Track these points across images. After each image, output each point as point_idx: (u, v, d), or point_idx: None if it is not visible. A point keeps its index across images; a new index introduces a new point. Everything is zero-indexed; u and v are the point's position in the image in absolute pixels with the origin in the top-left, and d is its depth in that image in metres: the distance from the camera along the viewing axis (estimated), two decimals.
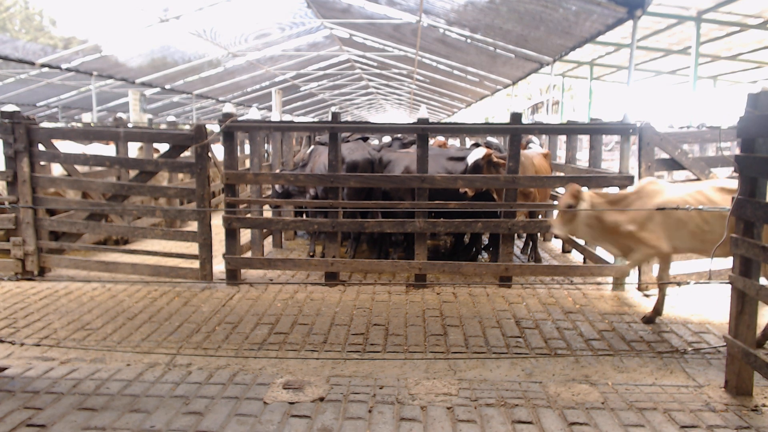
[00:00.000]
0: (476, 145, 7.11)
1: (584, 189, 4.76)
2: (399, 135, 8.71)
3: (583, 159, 9.67)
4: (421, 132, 5.81)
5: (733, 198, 3.56)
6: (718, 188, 4.39)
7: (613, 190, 6.07)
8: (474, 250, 7.34)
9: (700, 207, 4.20)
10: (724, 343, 3.60)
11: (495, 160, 6.15)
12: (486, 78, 16.73)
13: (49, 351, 4.13)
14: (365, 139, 8.41)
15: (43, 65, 12.72)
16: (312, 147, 8.00)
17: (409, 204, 5.85)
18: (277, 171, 8.26)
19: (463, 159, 6.58)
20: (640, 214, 4.40)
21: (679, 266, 5.97)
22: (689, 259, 5.80)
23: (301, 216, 8.16)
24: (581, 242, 6.87)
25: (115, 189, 6.25)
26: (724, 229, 3.82)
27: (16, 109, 6.17)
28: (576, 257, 7.39)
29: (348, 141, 8.05)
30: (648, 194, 4.46)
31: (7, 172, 5.92)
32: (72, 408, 3.27)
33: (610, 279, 5.88)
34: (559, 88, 21.27)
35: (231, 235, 5.96)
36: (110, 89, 17.54)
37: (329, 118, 6.05)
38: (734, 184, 4.07)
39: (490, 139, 8.51)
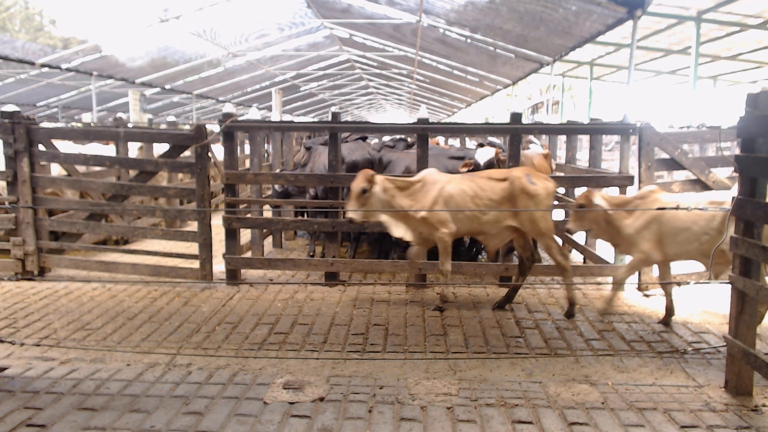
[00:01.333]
0: (480, 145, 7.10)
1: (600, 192, 4.93)
2: (403, 136, 8.72)
3: (583, 159, 9.66)
4: (421, 132, 5.81)
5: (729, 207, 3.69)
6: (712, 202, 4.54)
7: (613, 191, 6.08)
8: (474, 250, 7.34)
9: (701, 207, 4.21)
10: (724, 343, 3.60)
11: (503, 158, 6.17)
12: (486, 78, 16.73)
13: (49, 351, 4.13)
14: (364, 139, 8.40)
15: (43, 65, 12.72)
16: (301, 148, 8.02)
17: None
18: (277, 171, 8.26)
19: (463, 158, 6.58)
20: (638, 221, 4.59)
21: (679, 266, 5.96)
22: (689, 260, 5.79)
23: (301, 216, 8.16)
24: (581, 242, 6.87)
25: (115, 189, 6.25)
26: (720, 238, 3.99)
27: (16, 109, 6.17)
28: (576, 257, 7.39)
29: (347, 141, 8.05)
30: (649, 204, 4.62)
31: (7, 172, 5.92)
32: (72, 408, 3.27)
33: (610, 279, 5.87)
34: (559, 88, 21.27)
35: (231, 235, 5.96)
36: (110, 89, 17.54)
37: (329, 118, 6.05)
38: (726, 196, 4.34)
39: (491, 138, 8.52)
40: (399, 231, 4.98)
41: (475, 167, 6.20)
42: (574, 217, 4.76)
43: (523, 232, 5.03)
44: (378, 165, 6.80)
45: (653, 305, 5.31)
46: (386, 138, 10.20)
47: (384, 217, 4.92)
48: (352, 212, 4.71)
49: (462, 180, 4.99)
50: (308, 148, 7.88)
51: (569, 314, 4.96)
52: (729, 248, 3.61)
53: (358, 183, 4.69)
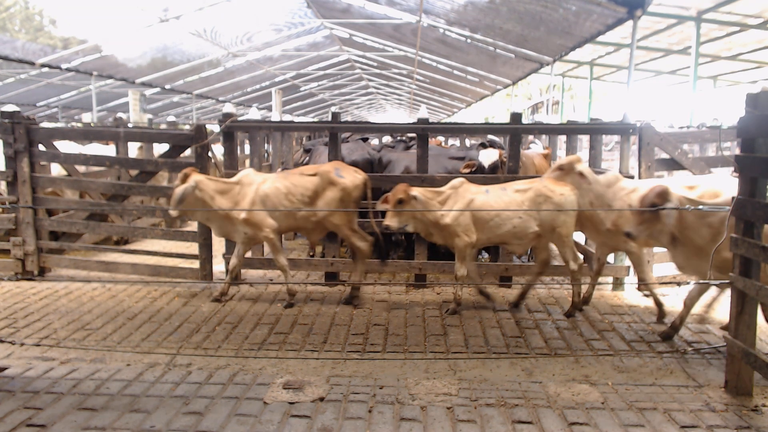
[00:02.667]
0: (482, 145, 7.10)
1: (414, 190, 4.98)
2: (403, 137, 8.72)
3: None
4: (421, 132, 5.81)
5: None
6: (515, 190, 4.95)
7: None
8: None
9: (701, 207, 4.20)
10: (724, 343, 3.60)
11: (504, 159, 6.19)
12: (486, 78, 16.73)
13: (49, 351, 4.13)
14: (366, 140, 8.41)
15: (43, 65, 12.71)
16: (300, 149, 8.01)
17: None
18: (278, 171, 8.26)
19: (463, 159, 6.57)
20: (453, 210, 4.84)
21: None
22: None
23: None
24: (582, 242, 6.87)
25: (115, 189, 6.25)
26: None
27: (16, 109, 6.17)
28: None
29: (347, 141, 8.05)
30: (461, 194, 4.89)
31: (7, 172, 5.92)
32: (72, 408, 3.27)
33: (610, 279, 5.88)
34: (559, 88, 21.26)
35: None
36: (110, 89, 17.54)
37: (329, 118, 6.05)
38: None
39: (492, 137, 8.51)
40: (221, 232, 5.18)
41: (479, 169, 6.20)
42: (392, 213, 4.81)
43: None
44: (378, 165, 6.80)
45: (653, 305, 5.30)
46: (387, 138, 10.21)
47: (201, 216, 5.15)
48: (173, 210, 4.94)
49: (277, 178, 5.17)
50: (307, 150, 7.88)
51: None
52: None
53: (178, 183, 4.94)
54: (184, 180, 4.95)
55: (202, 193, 4.98)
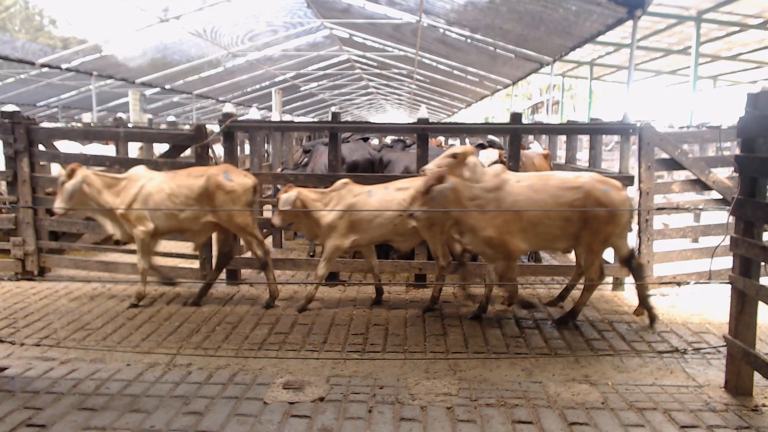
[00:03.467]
0: (481, 146, 7.11)
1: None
2: (401, 137, 8.71)
3: (583, 159, 9.67)
4: (421, 132, 5.81)
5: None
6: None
7: None
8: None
9: (700, 207, 4.20)
10: (724, 343, 3.60)
11: (504, 159, 6.20)
12: (486, 78, 16.74)
13: (49, 351, 4.13)
14: (366, 140, 8.40)
15: (43, 65, 12.72)
16: (300, 150, 8.00)
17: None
18: (278, 171, 8.26)
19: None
20: (333, 213, 4.94)
21: (679, 266, 5.97)
22: (688, 260, 5.80)
23: None
24: None
25: None
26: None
27: (16, 109, 6.17)
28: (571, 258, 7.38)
29: (348, 141, 8.05)
30: (343, 195, 4.99)
31: (7, 172, 5.92)
32: (72, 408, 3.27)
33: (610, 279, 5.88)
34: (559, 88, 21.27)
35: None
36: (110, 89, 17.55)
37: (329, 118, 6.05)
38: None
39: (491, 137, 8.51)
40: (109, 227, 5.17)
41: None
42: (277, 212, 4.93)
43: (224, 227, 5.21)
44: (378, 165, 6.80)
45: (653, 305, 5.30)
46: (387, 139, 10.20)
47: (88, 212, 5.18)
48: (57, 207, 4.94)
49: (164, 179, 5.13)
50: (307, 151, 7.88)
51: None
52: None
53: (60, 175, 4.96)
54: (71, 175, 4.88)
55: (90, 188, 4.94)
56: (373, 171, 6.73)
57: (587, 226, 4.35)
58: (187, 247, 7.10)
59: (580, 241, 4.47)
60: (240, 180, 5.11)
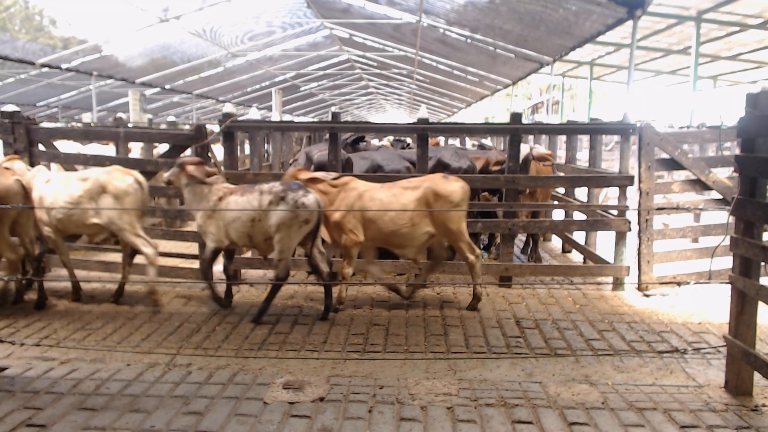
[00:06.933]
0: (482, 146, 7.12)
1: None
2: (401, 138, 8.72)
3: (583, 159, 9.67)
4: (421, 132, 5.81)
5: None
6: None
7: (614, 191, 6.09)
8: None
9: (700, 208, 4.21)
10: (724, 343, 3.60)
11: (492, 168, 6.24)
12: (486, 78, 16.74)
13: (49, 351, 4.13)
14: (361, 139, 8.29)
15: (43, 65, 12.72)
16: (301, 150, 7.95)
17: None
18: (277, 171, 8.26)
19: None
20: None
21: (679, 266, 5.97)
22: (688, 260, 5.80)
23: None
24: (582, 242, 6.87)
25: None
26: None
27: (16, 109, 6.16)
28: (576, 257, 7.39)
29: (376, 148, 7.89)
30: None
31: None
32: (72, 408, 3.27)
33: (610, 279, 5.88)
34: (559, 88, 21.26)
35: None
36: (110, 89, 17.55)
37: (329, 118, 6.05)
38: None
39: (484, 141, 8.52)
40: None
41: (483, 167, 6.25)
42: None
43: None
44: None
45: (653, 305, 5.31)
46: (385, 140, 10.19)
47: None
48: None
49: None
50: (310, 156, 7.84)
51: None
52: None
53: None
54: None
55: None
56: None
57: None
58: (186, 247, 7.11)
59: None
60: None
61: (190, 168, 4.95)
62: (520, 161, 6.03)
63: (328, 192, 5.02)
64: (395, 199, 4.94)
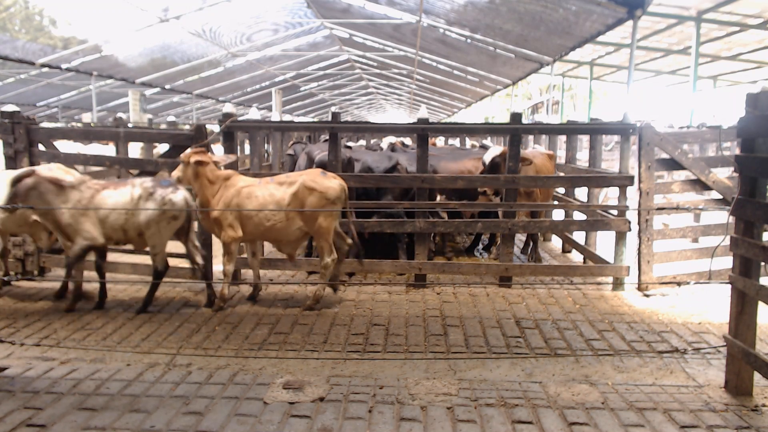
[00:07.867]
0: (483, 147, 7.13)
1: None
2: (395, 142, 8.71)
3: (583, 159, 9.67)
4: (421, 132, 5.81)
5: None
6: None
7: (614, 191, 6.09)
8: (474, 249, 7.34)
9: (700, 208, 4.21)
10: (724, 343, 3.60)
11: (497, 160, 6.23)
12: (486, 78, 16.74)
13: (49, 351, 4.13)
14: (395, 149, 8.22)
15: (43, 65, 12.72)
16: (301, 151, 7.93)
17: (408, 204, 5.86)
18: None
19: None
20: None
21: (679, 266, 5.97)
22: (688, 260, 5.80)
23: None
24: (582, 242, 6.87)
25: None
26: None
27: (16, 109, 6.16)
28: (576, 257, 7.39)
29: (374, 149, 7.90)
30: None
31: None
32: (72, 408, 3.27)
33: (610, 279, 5.88)
34: (559, 88, 21.26)
35: None
36: (110, 89, 17.56)
37: (329, 118, 6.05)
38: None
39: (485, 142, 8.53)
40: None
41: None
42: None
43: None
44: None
45: (653, 305, 5.31)
46: (384, 141, 10.18)
47: None
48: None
49: None
50: (310, 156, 7.85)
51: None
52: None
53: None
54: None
55: None
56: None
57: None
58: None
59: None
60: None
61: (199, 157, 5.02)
62: (487, 164, 6.06)
63: (213, 181, 5.05)
64: (271, 195, 5.00)
